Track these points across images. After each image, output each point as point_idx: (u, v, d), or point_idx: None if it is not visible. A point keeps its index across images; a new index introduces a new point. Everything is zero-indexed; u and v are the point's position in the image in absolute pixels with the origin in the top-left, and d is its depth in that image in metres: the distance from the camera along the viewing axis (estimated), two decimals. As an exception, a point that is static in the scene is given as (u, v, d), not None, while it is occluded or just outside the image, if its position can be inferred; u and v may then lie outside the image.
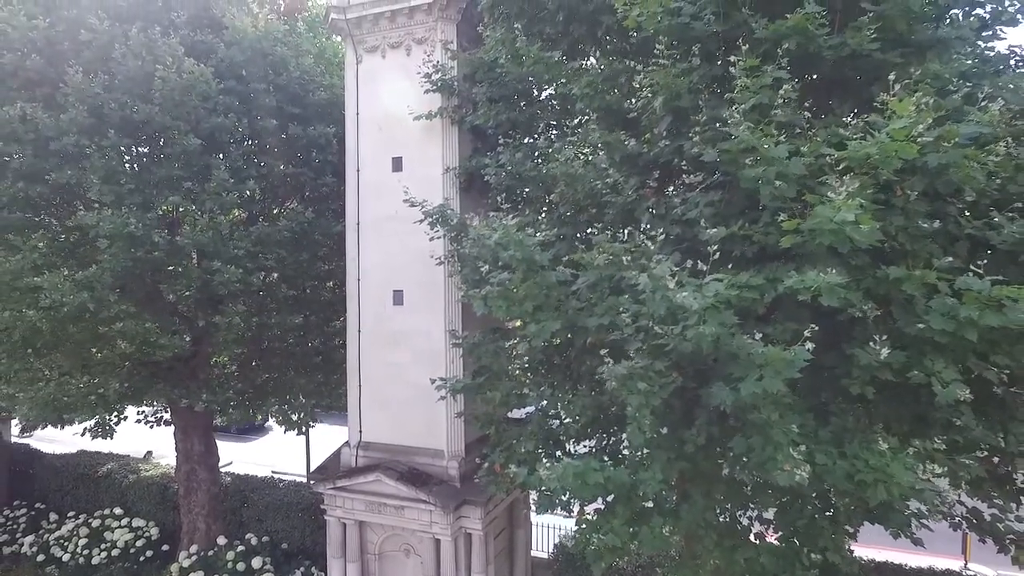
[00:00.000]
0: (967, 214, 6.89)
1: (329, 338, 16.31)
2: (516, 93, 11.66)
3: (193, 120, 12.47)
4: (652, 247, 6.88)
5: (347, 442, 14.58)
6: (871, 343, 6.14)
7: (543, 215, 9.97)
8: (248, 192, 12.91)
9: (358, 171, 14.20)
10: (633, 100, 8.18)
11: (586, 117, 9.50)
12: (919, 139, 5.97)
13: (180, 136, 12.11)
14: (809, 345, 5.78)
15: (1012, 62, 8.37)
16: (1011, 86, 7.37)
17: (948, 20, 7.71)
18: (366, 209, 14.12)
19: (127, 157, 12.45)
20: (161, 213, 12.51)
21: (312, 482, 15.65)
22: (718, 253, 6.64)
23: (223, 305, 13.33)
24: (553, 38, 10.73)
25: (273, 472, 25.95)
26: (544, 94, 11.62)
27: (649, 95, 7.88)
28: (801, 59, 7.67)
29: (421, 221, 11.71)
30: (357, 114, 14.19)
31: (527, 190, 10.87)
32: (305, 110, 14.37)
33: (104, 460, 21.67)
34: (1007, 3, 8.08)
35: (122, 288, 12.13)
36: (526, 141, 11.05)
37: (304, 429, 18.53)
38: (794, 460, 5.84)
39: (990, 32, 8.12)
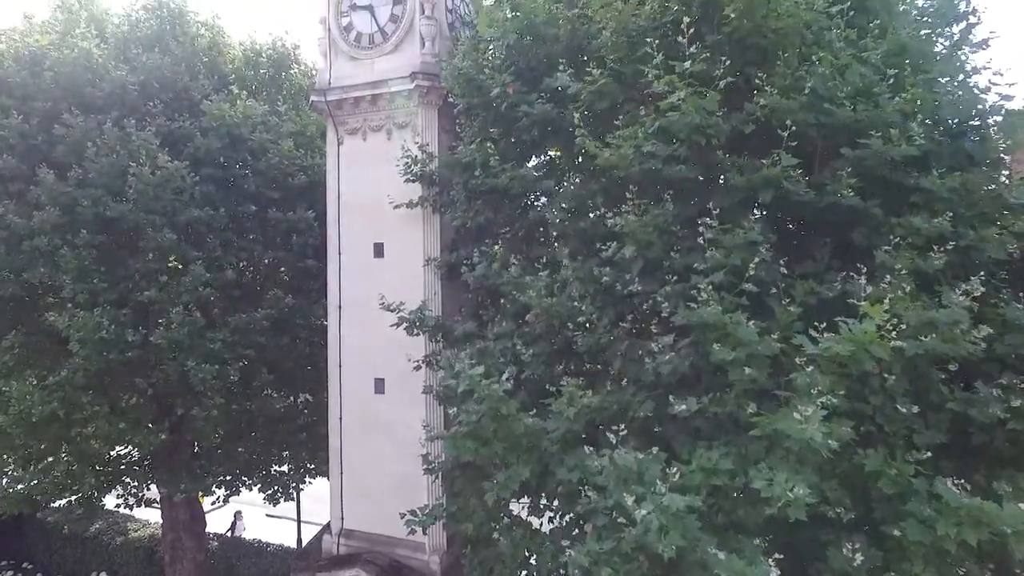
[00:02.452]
0: (950, 385, 6.58)
1: (313, 413, 16.05)
2: (495, 194, 11.39)
3: (169, 212, 12.25)
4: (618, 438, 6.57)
5: (328, 526, 14.30)
6: (845, 547, 5.83)
7: (516, 335, 9.64)
8: (226, 283, 12.66)
9: (340, 254, 13.93)
10: (606, 244, 7.88)
11: (560, 242, 9.22)
12: (893, 337, 5.66)
13: (155, 231, 11.89)
14: (771, 564, 5.48)
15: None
16: (996, 236, 7.07)
17: (933, 167, 7.38)
18: (348, 294, 13.85)
19: (100, 253, 12.21)
20: (135, 308, 12.26)
21: (293, 570, 15.40)
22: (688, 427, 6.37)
23: (200, 397, 13.11)
24: (530, 145, 10.50)
25: (267, 515, 25.96)
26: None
27: (621, 241, 7.61)
28: (777, 202, 7.38)
29: (397, 326, 11.45)
30: (339, 196, 13.94)
31: (503, 301, 10.60)
32: (286, 193, 14.14)
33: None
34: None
35: (94, 388, 11.91)
36: (498, 248, 10.75)
37: (295, 496, 18.30)
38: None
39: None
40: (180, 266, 12.42)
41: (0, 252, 11.71)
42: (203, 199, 12.74)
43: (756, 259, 6.51)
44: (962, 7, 8.80)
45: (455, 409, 8.23)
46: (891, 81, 7.29)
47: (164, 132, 12.52)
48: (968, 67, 7.88)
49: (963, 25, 8.55)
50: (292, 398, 15.30)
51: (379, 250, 13.59)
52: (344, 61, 13.78)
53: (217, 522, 23.86)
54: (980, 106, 7.53)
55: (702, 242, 7.07)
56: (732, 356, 6.08)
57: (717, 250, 6.84)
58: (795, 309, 6.68)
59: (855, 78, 7.54)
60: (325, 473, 17.21)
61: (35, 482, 12.28)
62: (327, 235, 13.91)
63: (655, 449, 6.33)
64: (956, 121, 7.52)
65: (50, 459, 12.71)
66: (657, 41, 7.61)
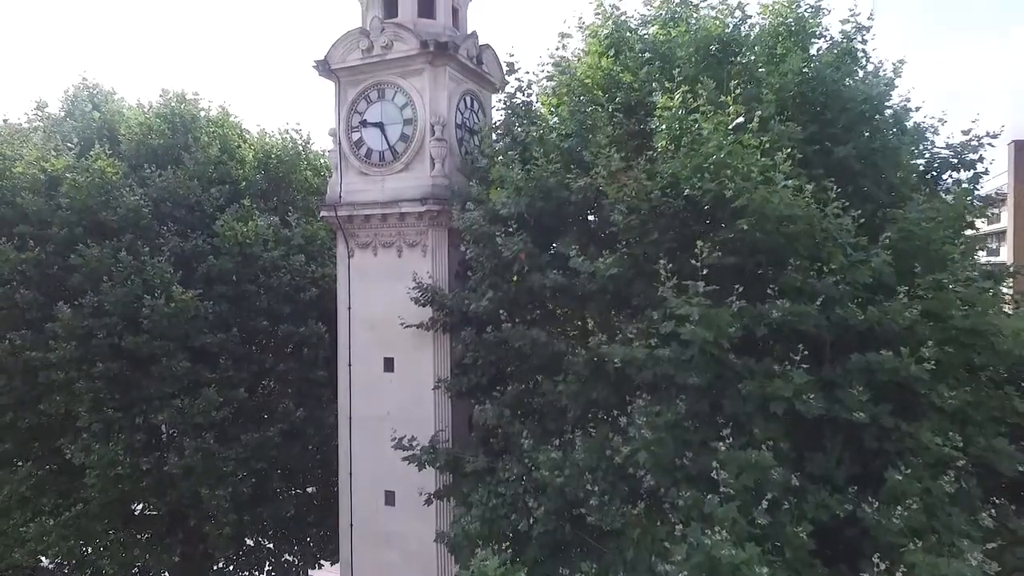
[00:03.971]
0: None
1: (322, 505, 16.13)
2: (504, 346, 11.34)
3: (182, 338, 12.39)
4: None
5: (340, 635, 14.40)
6: None
7: (526, 483, 9.71)
8: (238, 400, 12.79)
9: (350, 366, 14.05)
10: (621, 447, 7.95)
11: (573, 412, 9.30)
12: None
13: (169, 359, 12.02)
14: None
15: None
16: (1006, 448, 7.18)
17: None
18: (358, 406, 13.95)
19: (114, 380, 12.34)
20: (148, 429, 12.40)
21: None
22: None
23: (214, 512, 13.23)
24: (540, 303, 10.58)
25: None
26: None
27: (633, 447, 7.69)
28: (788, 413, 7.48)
29: (408, 461, 11.55)
30: (349, 308, 14.06)
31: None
32: (297, 307, 14.27)
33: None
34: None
35: (109, 516, 12.05)
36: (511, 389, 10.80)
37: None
38: None
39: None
40: (193, 387, 12.55)
41: (16, 383, 11.84)
42: (216, 319, 12.88)
43: (768, 496, 6.59)
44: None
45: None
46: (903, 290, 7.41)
47: (177, 252, 12.66)
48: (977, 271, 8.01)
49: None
50: (303, 490, 15.40)
51: (389, 364, 13.68)
52: (354, 175, 13.89)
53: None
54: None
55: (715, 445, 7.19)
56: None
57: (729, 469, 6.94)
58: (806, 529, 6.78)
59: (865, 278, 7.67)
60: (330, 555, 17.35)
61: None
62: (337, 346, 14.03)
63: None
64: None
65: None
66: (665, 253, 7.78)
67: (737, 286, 7.26)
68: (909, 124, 10.00)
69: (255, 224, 13.42)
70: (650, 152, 9.34)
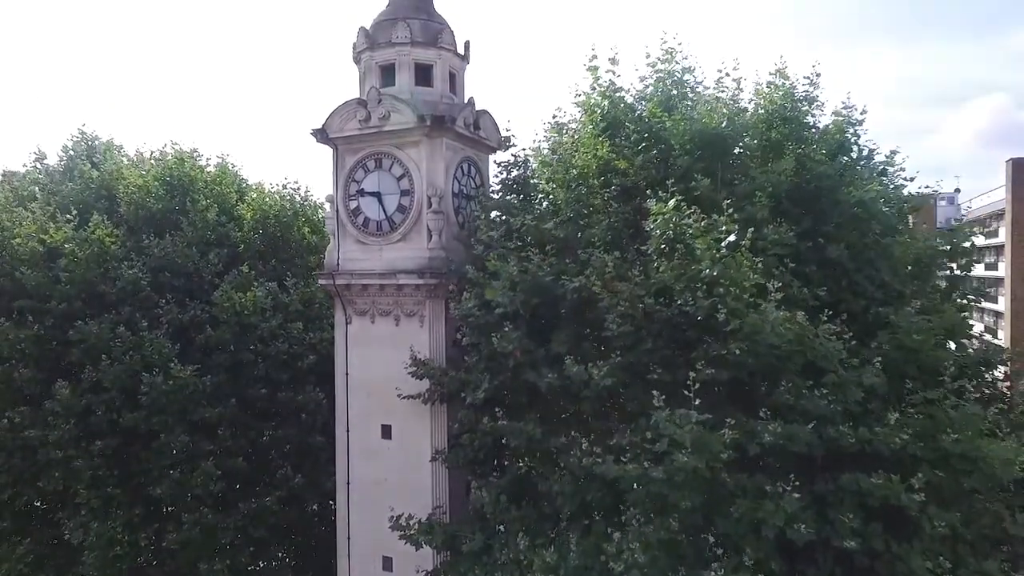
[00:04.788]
0: None
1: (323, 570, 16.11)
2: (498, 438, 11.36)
3: (180, 412, 12.46)
4: None
5: None
6: None
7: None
8: (236, 470, 12.86)
9: (348, 431, 14.10)
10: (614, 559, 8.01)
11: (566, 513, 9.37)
12: None
13: (167, 434, 12.09)
14: None
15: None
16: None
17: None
18: (356, 472, 13.98)
19: (113, 456, 12.41)
20: (146, 502, 12.46)
21: None
22: None
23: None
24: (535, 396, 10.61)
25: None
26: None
27: (627, 565, 7.76)
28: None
29: (405, 540, 11.62)
30: (347, 374, 14.09)
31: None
32: (295, 373, 14.32)
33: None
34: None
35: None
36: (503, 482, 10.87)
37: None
38: None
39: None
40: (191, 459, 12.61)
41: (15, 461, 11.90)
42: (214, 390, 12.94)
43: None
44: None
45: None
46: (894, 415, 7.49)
47: (175, 324, 12.71)
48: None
49: None
50: (301, 559, 15.46)
51: (387, 431, 13.71)
52: (352, 243, 13.92)
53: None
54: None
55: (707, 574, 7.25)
56: None
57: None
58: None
59: (857, 396, 7.75)
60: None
61: None
62: (335, 411, 14.08)
63: None
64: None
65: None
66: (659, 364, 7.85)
67: (729, 420, 7.31)
68: (902, 225, 10.10)
69: (253, 294, 13.47)
70: (644, 247, 9.40)
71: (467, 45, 14.62)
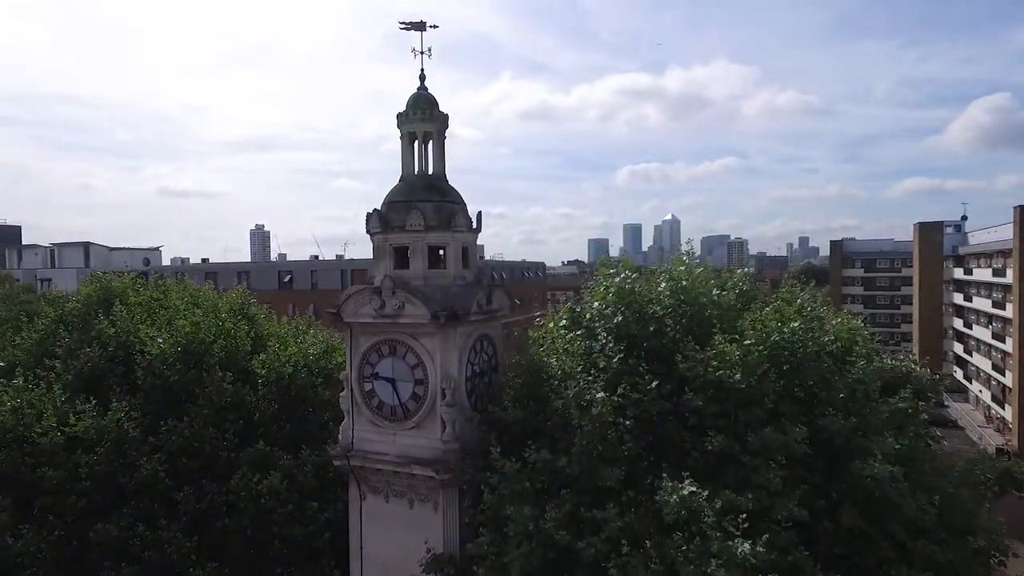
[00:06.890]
0: None
1: None
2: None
3: None
4: None
5: None
6: None
7: None
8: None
9: (364, 610, 14.22)
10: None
11: None
12: None
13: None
14: None
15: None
16: None
17: None
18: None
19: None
20: None
21: None
22: None
23: None
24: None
25: None
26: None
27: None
28: None
29: None
30: (361, 550, 14.22)
31: None
32: (311, 553, 14.36)
33: None
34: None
35: None
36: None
37: None
38: None
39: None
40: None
41: None
42: (232, 577, 13.08)
43: None
44: None
45: None
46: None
47: (193, 513, 12.83)
48: None
49: None
50: None
51: (405, 613, 13.84)
52: (366, 423, 13.99)
53: None
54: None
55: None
56: None
57: None
58: None
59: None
60: None
61: None
62: (350, 579, 14.19)
63: None
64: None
65: None
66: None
67: None
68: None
69: (269, 483, 13.55)
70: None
71: (479, 216, 14.76)
